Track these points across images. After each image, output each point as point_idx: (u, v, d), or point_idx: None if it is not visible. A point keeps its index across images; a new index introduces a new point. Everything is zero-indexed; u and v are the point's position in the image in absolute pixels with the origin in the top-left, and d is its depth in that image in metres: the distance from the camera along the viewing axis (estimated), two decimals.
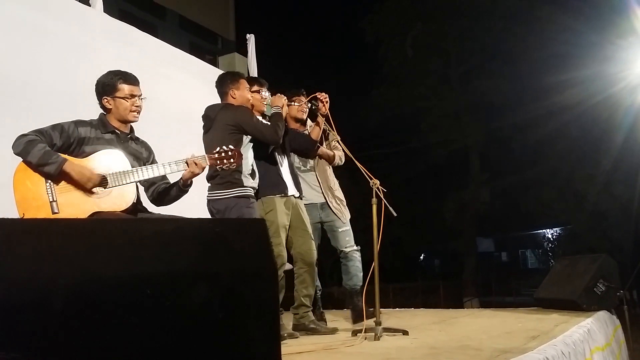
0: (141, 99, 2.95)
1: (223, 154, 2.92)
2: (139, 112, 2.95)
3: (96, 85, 2.92)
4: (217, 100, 3.78)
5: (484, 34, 19.68)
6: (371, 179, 3.62)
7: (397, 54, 21.27)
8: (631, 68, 11.45)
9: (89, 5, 4.66)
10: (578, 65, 14.83)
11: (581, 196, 16.59)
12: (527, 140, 18.36)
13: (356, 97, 24.80)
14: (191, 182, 2.97)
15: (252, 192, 3.58)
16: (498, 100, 19.57)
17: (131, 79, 2.93)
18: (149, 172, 2.80)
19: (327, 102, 4.08)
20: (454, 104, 21.28)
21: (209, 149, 3.50)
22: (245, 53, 6.62)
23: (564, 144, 16.91)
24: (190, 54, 6.06)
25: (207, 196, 3.56)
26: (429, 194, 24.68)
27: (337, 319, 5.03)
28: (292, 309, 4.00)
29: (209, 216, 3.57)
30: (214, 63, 7.42)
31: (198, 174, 2.94)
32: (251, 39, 6.42)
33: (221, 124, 3.52)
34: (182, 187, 2.98)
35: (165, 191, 3.01)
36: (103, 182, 2.69)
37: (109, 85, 2.88)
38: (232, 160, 2.92)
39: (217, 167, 2.95)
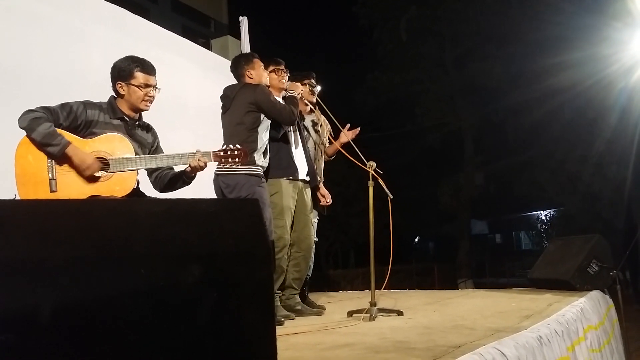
0: (155, 89, 2.92)
1: (229, 152, 2.87)
2: (151, 102, 2.92)
3: (112, 68, 2.88)
4: (211, 83, 3.77)
5: (478, 16, 19.55)
6: (367, 161, 3.62)
7: (391, 37, 21.11)
8: (625, 49, 11.41)
9: None
10: (572, 48, 14.77)
11: (575, 178, 16.65)
12: (521, 123, 18.39)
13: (350, 81, 24.66)
14: (195, 174, 2.94)
15: (262, 172, 3.60)
16: (492, 84, 19.51)
17: (148, 68, 2.89)
18: (151, 162, 2.78)
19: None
20: (448, 88, 21.23)
21: (227, 129, 3.61)
22: (238, 36, 6.57)
23: (558, 126, 16.92)
24: (183, 37, 6.02)
25: (216, 171, 3.52)
26: (423, 177, 24.76)
27: (331, 300, 5.07)
28: (279, 289, 3.99)
29: (211, 194, 3.56)
30: (207, 46, 7.37)
31: (201, 170, 2.90)
32: (244, 21, 6.35)
33: (239, 103, 3.56)
34: (185, 180, 2.96)
35: (170, 180, 2.98)
36: (105, 166, 2.67)
37: (125, 70, 2.85)
38: (237, 159, 2.87)
39: (221, 164, 2.90)
